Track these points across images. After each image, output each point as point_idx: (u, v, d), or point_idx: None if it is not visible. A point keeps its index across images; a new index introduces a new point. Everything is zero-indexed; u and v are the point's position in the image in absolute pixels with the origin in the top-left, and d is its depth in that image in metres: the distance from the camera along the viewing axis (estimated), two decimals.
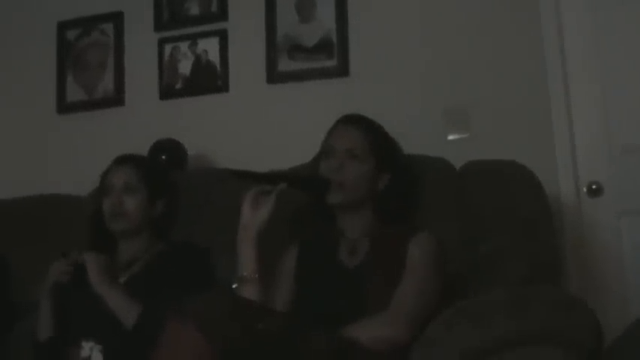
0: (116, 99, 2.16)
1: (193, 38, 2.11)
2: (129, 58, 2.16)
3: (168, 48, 2.12)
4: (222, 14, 2.08)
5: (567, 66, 1.83)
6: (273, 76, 2.02)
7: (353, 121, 1.37)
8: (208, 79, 2.08)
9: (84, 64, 2.19)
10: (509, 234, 1.35)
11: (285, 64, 2.01)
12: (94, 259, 1.37)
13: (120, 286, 1.38)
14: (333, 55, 1.97)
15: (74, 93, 2.19)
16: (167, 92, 2.13)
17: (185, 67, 2.11)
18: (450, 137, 1.87)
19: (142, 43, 2.15)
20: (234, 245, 1.25)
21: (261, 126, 2.02)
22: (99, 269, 1.36)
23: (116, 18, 2.18)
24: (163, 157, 1.86)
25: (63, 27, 2.22)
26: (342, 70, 1.96)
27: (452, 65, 1.89)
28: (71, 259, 1.38)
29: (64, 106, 2.20)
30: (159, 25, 2.15)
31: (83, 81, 2.19)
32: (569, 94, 1.83)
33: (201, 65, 2.10)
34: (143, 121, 2.10)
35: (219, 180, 1.64)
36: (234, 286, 1.24)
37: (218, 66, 2.08)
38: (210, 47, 2.09)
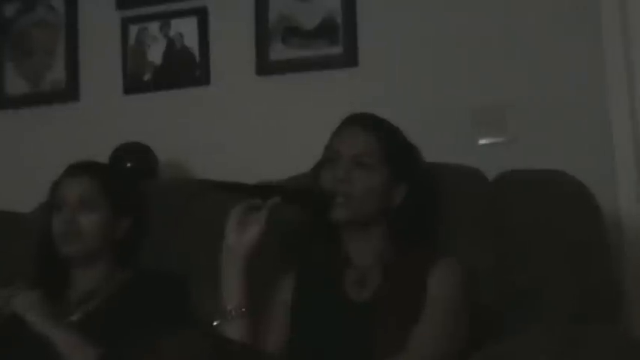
0: (68, 92, 2.15)
1: (165, 18, 2.10)
2: (84, 42, 2.16)
3: (133, 30, 2.13)
4: None
5: (631, 54, 1.83)
6: (264, 65, 2.02)
7: (362, 121, 1.39)
8: (184, 69, 2.08)
9: (27, 48, 2.18)
10: (554, 261, 1.37)
11: (278, 52, 2.00)
12: (20, 300, 1.36)
13: (69, 327, 1.39)
14: (338, 41, 1.97)
15: (15, 85, 2.19)
16: (133, 85, 2.13)
17: (155, 53, 2.11)
18: (482, 141, 1.88)
19: (100, 23, 2.15)
20: (216, 273, 1.28)
21: (250, 127, 2.03)
22: (33, 309, 1.37)
23: None
24: (129, 164, 1.88)
25: None
26: (350, 60, 1.96)
27: (485, 54, 1.88)
28: None
29: (2, 101, 2.20)
30: (122, 1, 2.13)
31: (26, 70, 2.19)
32: (634, 89, 1.81)
33: (175, 52, 2.10)
34: (103, 120, 2.11)
35: (198, 193, 1.66)
36: (216, 322, 1.27)
37: (196, 53, 2.08)
38: (186, 29, 2.09)
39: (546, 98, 1.85)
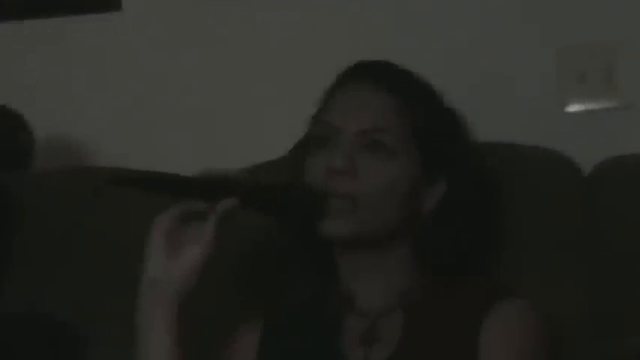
0: None
1: None
2: None
3: None
4: None
5: None
6: None
7: (375, 74, 1.35)
8: None
9: None
10: None
11: None
12: None
13: None
14: None
15: None
16: None
17: None
18: (571, 108, 1.80)
19: None
20: (130, 322, 1.24)
21: (185, 79, 1.98)
22: None
23: None
24: None
25: None
26: None
27: None
28: None
29: None
30: None
31: None
32: None
33: None
34: None
35: (103, 192, 1.60)
36: None
37: None
38: None
39: None
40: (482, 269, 1.36)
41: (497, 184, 1.40)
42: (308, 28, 1.94)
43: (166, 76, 2.01)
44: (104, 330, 1.47)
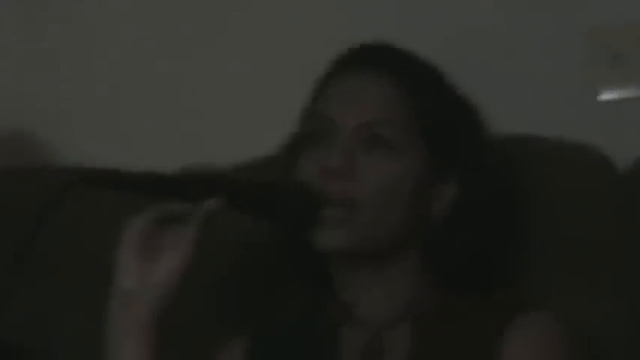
0: None
1: None
2: None
3: None
4: None
5: None
6: None
7: (376, 60, 1.36)
8: None
9: None
10: None
11: None
12: None
13: None
14: None
15: None
16: None
17: None
18: (604, 96, 1.80)
19: None
20: (99, 342, 1.25)
21: (164, 71, 2.01)
22: None
23: None
24: None
25: None
26: None
27: None
28: None
29: None
30: None
31: None
32: None
33: None
34: None
35: (69, 192, 1.61)
36: None
37: None
38: None
39: None
40: (501, 279, 1.37)
41: (518, 183, 1.41)
42: (301, 15, 1.95)
43: (144, 69, 2.05)
44: (70, 354, 1.48)
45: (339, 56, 1.37)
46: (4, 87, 2.03)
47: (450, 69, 1.38)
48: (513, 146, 1.44)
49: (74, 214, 1.60)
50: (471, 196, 1.32)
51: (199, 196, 1.23)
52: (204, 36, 2.01)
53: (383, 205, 1.28)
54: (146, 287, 1.22)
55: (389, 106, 1.31)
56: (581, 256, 1.42)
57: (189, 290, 1.23)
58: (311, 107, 1.36)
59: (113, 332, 1.23)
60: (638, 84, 1.82)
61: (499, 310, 1.27)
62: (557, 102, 1.76)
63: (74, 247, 1.59)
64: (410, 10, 1.81)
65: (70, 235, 1.61)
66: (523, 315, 1.25)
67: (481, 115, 1.38)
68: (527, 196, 1.42)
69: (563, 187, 1.46)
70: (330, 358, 1.31)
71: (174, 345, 1.24)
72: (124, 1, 2.09)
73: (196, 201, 1.23)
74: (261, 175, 1.42)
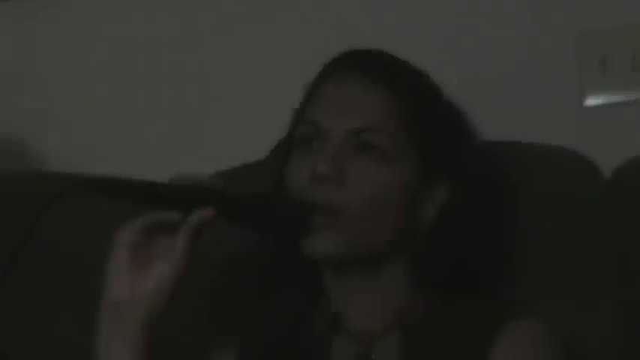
0: None
1: None
2: None
3: None
4: None
5: None
6: None
7: (365, 65, 1.35)
8: None
9: None
10: None
11: None
12: None
13: None
14: None
15: None
16: None
17: None
18: (592, 102, 1.79)
19: None
20: (86, 348, 1.24)
21: (157, 75, 2.01)
22: None
23: None
24: None
25: None
26: None
27: None
28: None
29: None
30: None
31: None
32: None
33: None
34: None
35: (58, 200, 1.53)
36: None
37: None
38: None
39: None
40: (490, 286, 1.37)
41: (507, 189, 1.41)
42: (295, 20, 1.94)
43: (136, 75, 2.03)
44: (55, 357, 1.47)
45: (330, 62, 1.36)
46: None
47: (438, 74, 1.37)
48: (500, 152, 1.44)
49: (63, 222, 1.56)
50: (461, 202, 1.32)
51: (190, 205, 1.22)
52: (197, 44, 2.00)
53: (372, 211, 1.27)
54: (136, 297, 1.20)
55: (379, 113, 1.30)
56: (568, 261, 1.42)
57: (178, 300, 1.21)
58: (300, 113, 1.35)
59: (103, 342, 1.22)
60: (625, 90, 1.81)
61: (487, 319, 1.26)
62: (545, 108, 1.75)
63: (63, 254, 1.59)
64: (398, 16, 1.81)
65: (59, 243, 1.61)
66: (513, 322, 1.25)
67: (470, 121, 1.38)
68: (514, 202, 1.41)
69: (550, 192, 1.46)
70: None
71: (164, 355, 1.23)
72: (117, 6, 2.08)
73: (187, 211, 1.21)
74: (249, 183, 1.43)
